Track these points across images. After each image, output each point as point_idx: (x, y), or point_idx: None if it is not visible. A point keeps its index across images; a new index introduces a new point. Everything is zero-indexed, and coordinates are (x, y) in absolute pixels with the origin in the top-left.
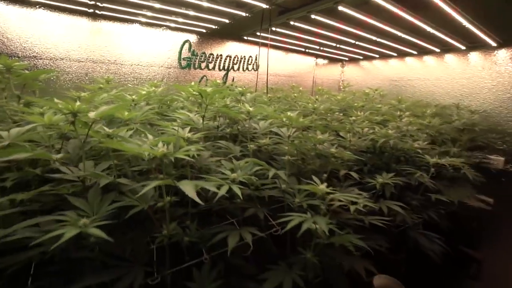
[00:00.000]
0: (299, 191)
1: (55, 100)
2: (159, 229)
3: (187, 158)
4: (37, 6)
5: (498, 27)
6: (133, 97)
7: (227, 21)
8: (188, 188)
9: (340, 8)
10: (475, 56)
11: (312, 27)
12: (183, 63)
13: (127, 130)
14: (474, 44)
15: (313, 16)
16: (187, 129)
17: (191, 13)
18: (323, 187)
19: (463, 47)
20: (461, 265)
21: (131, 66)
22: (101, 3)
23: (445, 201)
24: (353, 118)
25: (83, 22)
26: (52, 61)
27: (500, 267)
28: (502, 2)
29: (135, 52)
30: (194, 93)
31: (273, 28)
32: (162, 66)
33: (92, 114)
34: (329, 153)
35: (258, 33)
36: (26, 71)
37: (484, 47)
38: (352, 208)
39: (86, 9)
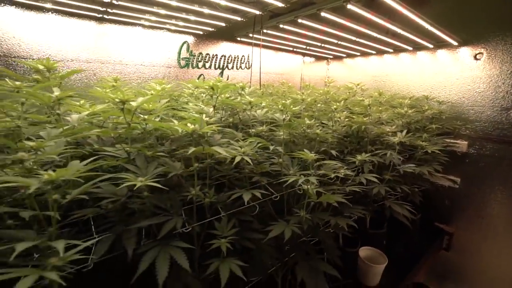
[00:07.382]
0: (293, 164)
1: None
2: (187, 191)
3: (209, 132)
4: (50, 12)
5: (457, 29)
6: (151, 92)
7: (223, 24)
8: (220, 150)
9: (323, 14)
10: (441, 53)
11: (299, 30)
12: (182, 62)
13: (154, 118)
14: (439, 43)
15: (299, 20)
16: (204, 115)
17: (192, 18)
18: (312, 155)
19: (431, 46)
20: (436, 238)
21: (135, 66)
22: (111, 9)
23: (419, 180)
24: (334, 107)
25: (91, 25)
26: (63, 62)
27: (468, 239)
28: (459, 5)
29: (138, 53)
30: (206, 87)
31: (264, 30)
32: (163, 65)
33: (134, 103)
34: (315, 134)
35: (250, 35)
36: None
37: (448, 46)
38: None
39: (94, 14)
